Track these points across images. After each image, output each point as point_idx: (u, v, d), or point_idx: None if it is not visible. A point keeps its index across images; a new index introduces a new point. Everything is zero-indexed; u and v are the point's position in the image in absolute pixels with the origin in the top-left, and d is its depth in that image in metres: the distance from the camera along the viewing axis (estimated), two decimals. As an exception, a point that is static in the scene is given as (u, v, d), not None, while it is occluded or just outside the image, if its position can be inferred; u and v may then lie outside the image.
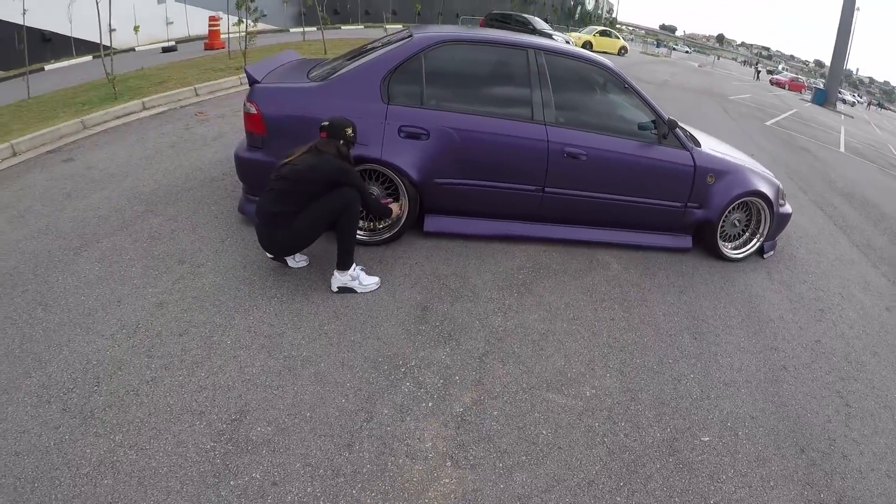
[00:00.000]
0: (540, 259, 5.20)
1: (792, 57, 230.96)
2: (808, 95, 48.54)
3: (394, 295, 4.29)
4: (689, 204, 5.58)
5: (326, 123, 4.02)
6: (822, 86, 49.69)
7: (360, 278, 4.23)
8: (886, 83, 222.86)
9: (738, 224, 6.01)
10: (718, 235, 5.82)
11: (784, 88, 55.04)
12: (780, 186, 6.24)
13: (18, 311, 3.76)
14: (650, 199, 5.48)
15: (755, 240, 6.09)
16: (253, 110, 4.59)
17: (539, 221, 5.42)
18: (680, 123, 5.94)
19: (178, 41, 21.29)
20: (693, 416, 3.63)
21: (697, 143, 5.80)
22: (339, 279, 4.18)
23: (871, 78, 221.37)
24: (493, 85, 5.30)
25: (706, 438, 3.47)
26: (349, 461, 2.83)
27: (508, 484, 2.87)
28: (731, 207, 5.72)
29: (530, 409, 3.39)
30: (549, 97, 5.07)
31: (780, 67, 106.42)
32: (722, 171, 5.63)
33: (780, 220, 6.23)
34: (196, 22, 23.30)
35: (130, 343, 3.49)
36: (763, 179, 5.95)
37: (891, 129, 43.85)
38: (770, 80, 60.43)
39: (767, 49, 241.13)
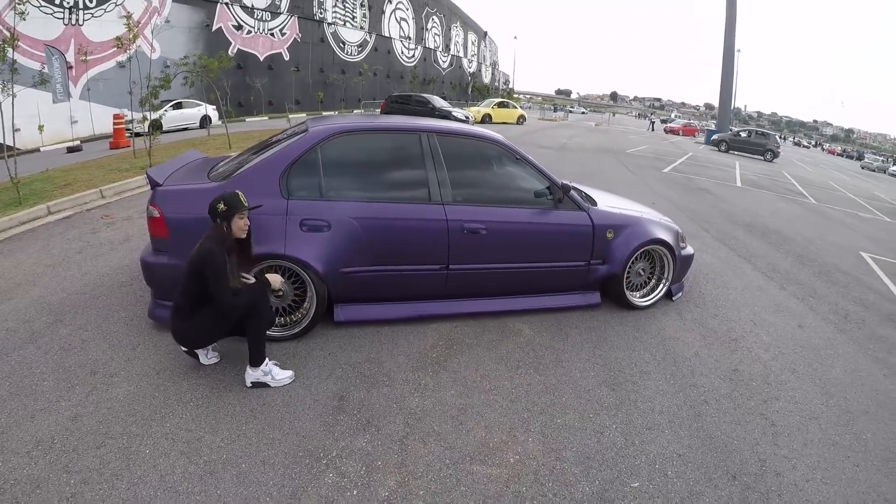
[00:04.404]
0: (452, 335, 5.31)
1: (683, 104, 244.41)
2: (701, 138, 51.36)
3: (309, 389, 4.28)
4: (592, 261, 5.83)
5: (213, 208, 3.99)
6: (713, 127, 52.48)
7: (272, 373, 4.21)
8: (774, 114, 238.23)
9: (643, 273, 6.31)
10: (625, 287, 6.08)
11: (679, 135, 58.02)
12: (679, 231, 6.60)
13: (-74, 434, 3.61)
14: (554, 262, 5.71)
15: (661, 285, 6.40)
16: (156, 214, 4.59)
17: (448, 298, 5.55)
18: (576, 185, 6.29)
19: (83, 140, 21.36)
20: (620, 465, 3.76)
21: (594, 202, 6.11)
22: (251, 375, 4.17)
23: (759, 112, 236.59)
24: (389, 170, 5.43)
25: (636, 484, 3.59)
26: (277, 562, 2.80)
27: (440, 564, 2.88)
28: (633, 258, 6.00)
29: (456, 484, 3.43)
30: (444, 177, 5.26)
31: (672, 115, 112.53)
32: (620, 225, 5.94)
33: (684, 263, 6.58)
34: (100, 119, 23.30)
35: (47, 460, 3.39)
36: (661, 227, 6.29)
37: (787, 159, 46.46)
38: (664, 129, 63.65)
39: (659, 100, 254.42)
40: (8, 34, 9.77)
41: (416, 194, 5.21)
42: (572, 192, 5.76)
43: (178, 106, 25.82)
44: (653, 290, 6.44)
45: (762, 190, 19.35)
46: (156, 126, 22.04)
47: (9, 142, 10.79)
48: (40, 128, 14.83)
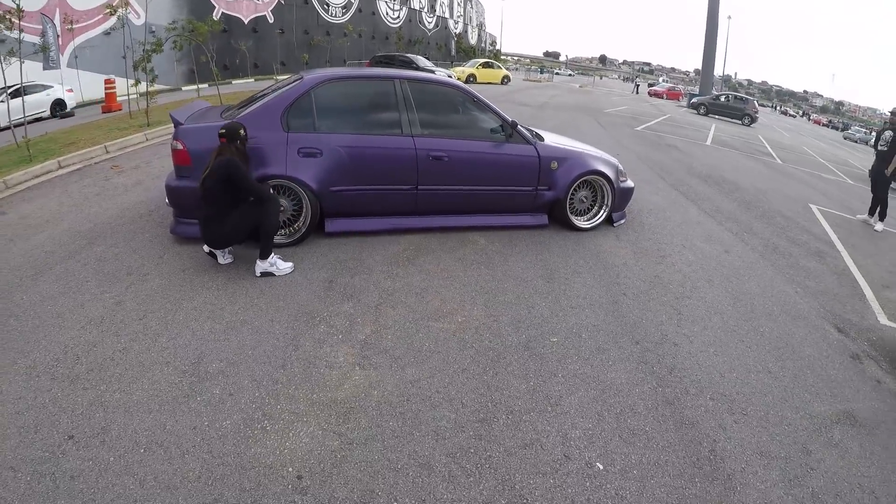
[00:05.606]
0: (421, 243, 6.46)
1: (673, 69, 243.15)
2: (684, 102, 51.91)
3: (306, 276, 5.44)
4: (539, 188, 6.95)
5: (223, 130, 5.17)
6: (696, 92, 53.17)
7: (277, 264, 5.39)
8: (764, 83, 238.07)
9: (585, 200, 7.42)
10: (568, 210, 7.20)
11: (662, 98, 58.52)
12: (620, 166, 7.68)
13: (-9, 324, 4.48)
14: (506, 187, 6.84)
15: (602, 211, 7.50)
16: (179, 147, 5.67)
17: (418, 215, 6.68)
18: (530, 127, 7.35)
19: (74, 106, 21.53)
20: (544, 327, 4.91)
21: (541, 139, 7.20)
22: (260, 266, 5.33)
23: (749, 80, 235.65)
24: (369, 110, 6.54)
25: (555, 339, 4.75)
26: (284, 374, 3.93)
27: (402, 375, 4.04)
28: (575, 186, 7.11)
29: (415, 332, 4.61)
30: (413, 115, 6.37)
31: (660, 80, 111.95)
32: (563, 157, 7.04)
33: (623, 194, 7.72)
34: (89, 86, 23.76)
35: (99, 330, 4.38)
36: (601, 161, 7.38)
37: (768, 125, 47.22)
38: (648, 93, 64.02)
39: (649, 64, 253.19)
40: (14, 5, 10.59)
41: (390, 128, 6.33)
42: (520, 127, 6.87)
43: (18, 93, 17.46)
44: (594, 215, 7.54)
45: (731, 149, 20.20)
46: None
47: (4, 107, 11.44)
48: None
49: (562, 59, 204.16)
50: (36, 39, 20.71)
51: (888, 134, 10.80)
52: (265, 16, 36.92)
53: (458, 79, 32.06)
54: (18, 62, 10.49)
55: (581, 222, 7.39)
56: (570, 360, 4.46)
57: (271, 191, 5.56)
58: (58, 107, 20.49)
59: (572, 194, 7.20)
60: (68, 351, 4.11)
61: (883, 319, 6.41)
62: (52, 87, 20.12)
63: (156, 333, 4.36)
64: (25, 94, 17.51)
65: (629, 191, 7.91)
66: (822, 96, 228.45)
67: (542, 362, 4.38)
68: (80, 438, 3.29)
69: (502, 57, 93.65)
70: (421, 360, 4.24)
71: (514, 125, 6.77)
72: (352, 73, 6.87)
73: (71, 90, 21.55)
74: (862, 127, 78.19)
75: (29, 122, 13.59)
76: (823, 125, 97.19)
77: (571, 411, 3.87)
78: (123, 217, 6.90)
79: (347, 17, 45.51)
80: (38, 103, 19.76)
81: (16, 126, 11.80)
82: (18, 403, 3.54)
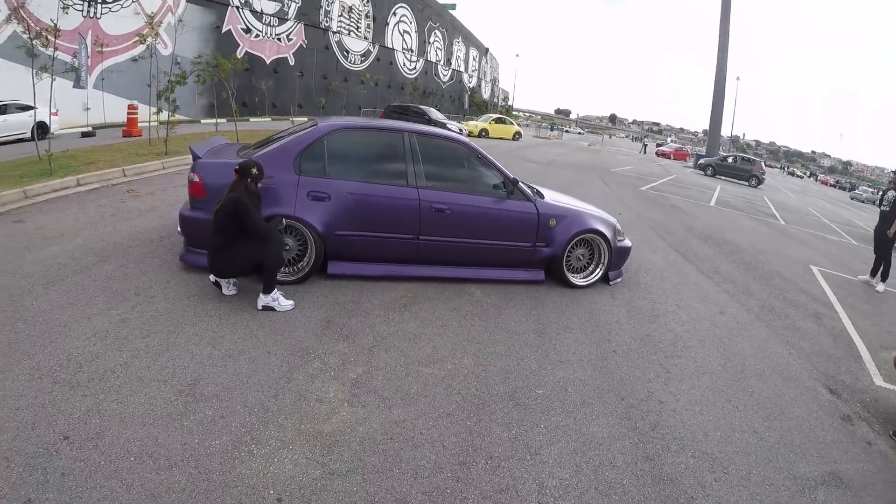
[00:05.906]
0: (418, 291, 6.64)
1: (682, 129, 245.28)
2: (692, 163, 52.24)
3: (305, 313, 5.61)
4: (537, 244, 7.16)
5: (237, 167, 5.43)
6: (703, 152, 53.65)
7: (279, 300, 5.57)
8: (772, 143, 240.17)
9: (582, 258, 7.61)
10: (565, 267, 7.38)
11: (670, 158, 59.08)
12: (618, 226, 7.88)
13: (1, 326, 4.67)
14: (505, 242, 7.05)
15: (598, 269, 7.67)
16: (196, 179, 5.96)
17: (417, 263, 6.88)
18: (532, 184, 7.61)
19: (95, 127, 21.89)
20: (531, 379, 5.03)
21: (542, 196, 7.44)
22: (263, 300, 5.52)
23: (757, 140, 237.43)
24: (378, 159, 6.82)
25: (540, 391, 4.86)
26: (276, 404, 4.09)
27: (388, 415, 4.17)
28: (572, 244, 7.30)
29: (405, 375, 4.75)
30: (419, 167, 6.63)
31: (668, 140, 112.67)
32: (561, 215, 7.26)
33: (620, 253, 7.89)
34: (112, 109, 24.28)
35: (104, 343, 4.58)
36: (599, 220, 7.60)
37: (774, 185, 47.67)
38: (656, 153, 64.50)
39: (658, 124, 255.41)
40: (34, 25, 11.05)
41: (397, 178, 6.57)
42: (521, 184, 7.11)
43: (1, 111, 17.58)
44: (591, 273, 7.71)
45: (734, 210, 20.49)
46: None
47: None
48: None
49: (573, 116, 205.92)
50: (68, 59, 21.19)
51: (891, 194, 10.89)
52: (287, 57, 37.50)
53: (471, 133, 32.88)
54: (50, 79, 10.89)
55: (577, 280, 7.56)
56: (554, 412, 4.58)
57: (284, 222, 5.84)
58: (40, 129, 16.86)
59: (569, 252, 7.39)
60: (72, 359, 4.31)
61: (878, 381, 6.49)
62: (35, 108, 15.95)
63: (157, 353, 4.54)
64: (7, 114, 17.76)
65: (626, 250, 8.09)
66: (829, 156, 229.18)
67: (526, 412, 4.51)
68: (75, 440, 3.46)
69: (514, 112, 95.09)
70: (408, 402, 4.39)
71: (515, 182, 7.00)
72: (363, 124, 7.16)
73: (56, 113, 18.93)
74: (869, 186, 77.40)
75: (7, 143, 13.89)
76: (831, 185, 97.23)
77: (550, 461, 3.98)
78: (136, 239, 7.14)
79: (366, 65, 46.25)
80: (18, 124, 18.23)
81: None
82: (19, 401, 3.74)
